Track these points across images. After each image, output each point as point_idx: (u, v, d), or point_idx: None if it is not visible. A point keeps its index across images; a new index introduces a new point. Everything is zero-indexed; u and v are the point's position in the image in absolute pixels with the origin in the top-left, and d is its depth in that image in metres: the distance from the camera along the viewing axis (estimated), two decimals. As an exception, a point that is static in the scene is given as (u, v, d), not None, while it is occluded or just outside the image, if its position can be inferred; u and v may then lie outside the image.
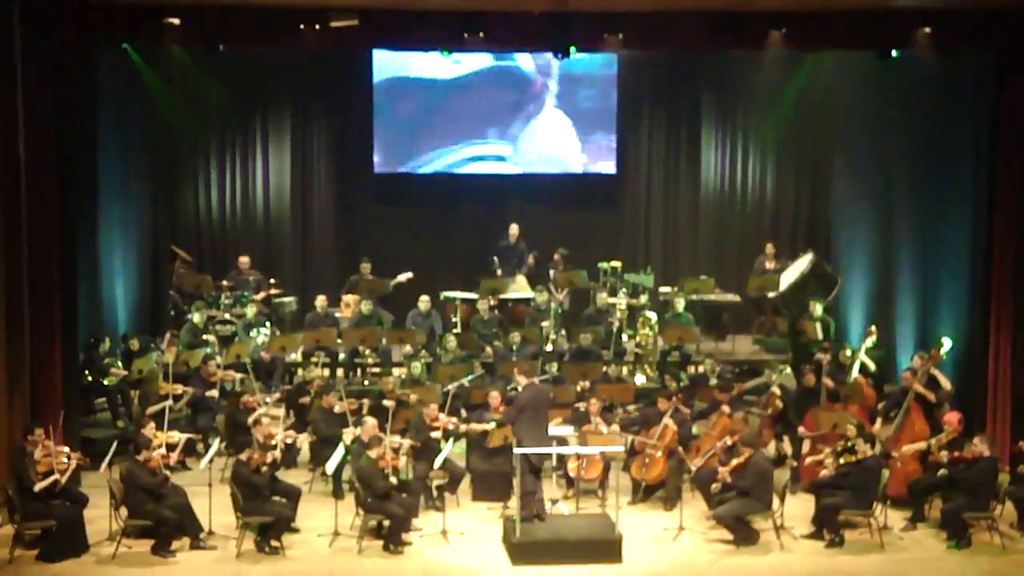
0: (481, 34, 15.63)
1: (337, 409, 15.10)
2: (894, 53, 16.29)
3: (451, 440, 14.62)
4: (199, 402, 16.26)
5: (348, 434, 14.21)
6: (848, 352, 16.63)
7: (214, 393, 16.55)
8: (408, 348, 18.16)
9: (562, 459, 14.61)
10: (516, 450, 13.37)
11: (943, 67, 16.99)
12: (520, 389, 14.05)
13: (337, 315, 19.30)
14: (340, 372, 18.38)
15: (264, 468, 13.33)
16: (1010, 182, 15.61)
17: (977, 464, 13.50)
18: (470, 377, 16.52)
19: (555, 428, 14.37)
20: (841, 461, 13.65)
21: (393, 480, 13.27)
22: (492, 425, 14.73)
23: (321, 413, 15.20)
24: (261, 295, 19.51)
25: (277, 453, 13.83)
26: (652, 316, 18.85)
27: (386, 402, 15.04)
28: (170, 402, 15.33)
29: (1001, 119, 15.70)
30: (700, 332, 18.80)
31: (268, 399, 16.18)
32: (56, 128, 14.90)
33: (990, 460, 13.58)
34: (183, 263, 20.18)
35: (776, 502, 13.55)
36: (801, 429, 15.12)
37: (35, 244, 14.71)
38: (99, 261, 18.01)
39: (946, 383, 15.25)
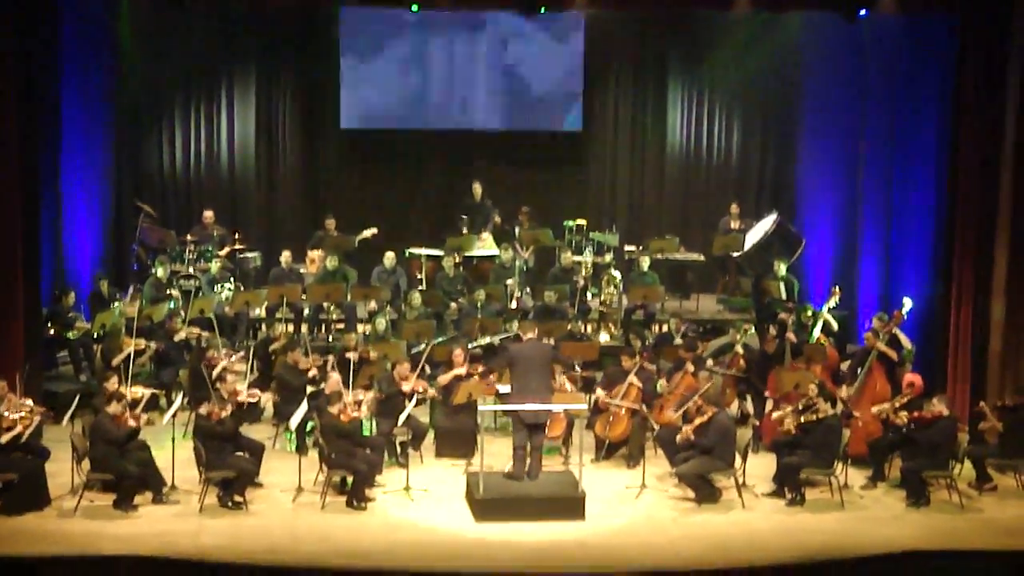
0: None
1: (301, 365, 15.11)
2: (861, 14, 16.30)
3: (414, 398, 14.62)
4: (162, 357, 16.21)
5: (311, 390, 14.24)
6: (810, 312, 16.74)
7: (177, 348, 16.46)
8: (373, 304, 18.12)
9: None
10: (481, 407, 13.43)
11: (908, 29, 17.10)
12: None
13: (302, 271, 19.25)
14: (304, 328, 18.33)
15: (227, 418, 13.31)
16: (970, 145, 15.65)
17: (936, 424, 13.61)
18: (441, 339, 16.54)
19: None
20: (802, 420, 13.75)
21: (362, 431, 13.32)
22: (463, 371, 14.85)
23: (285, 369, 15.19)
24: (225, 250, 19.44)
25: (243, 397, 13.88)
26: (617, 275, 18.89)
27: (349, 354, 15.00)
28: (131, 349, 15.28)
29: (961, 82, 15.73)
30: (665, 291, 18.85)
31: (234, 357, 16.09)
32: (18, 78, 14.73)
33: (949, 420, 13.70)
34: (147, 217, 20.06)
35: (738, 460, 13.64)
36: (767, 394, 15.21)
37: (-3, 196, 14.62)
38: (61, 214, 17.89)
39: (907, 343, 15.40)
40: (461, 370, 14.85)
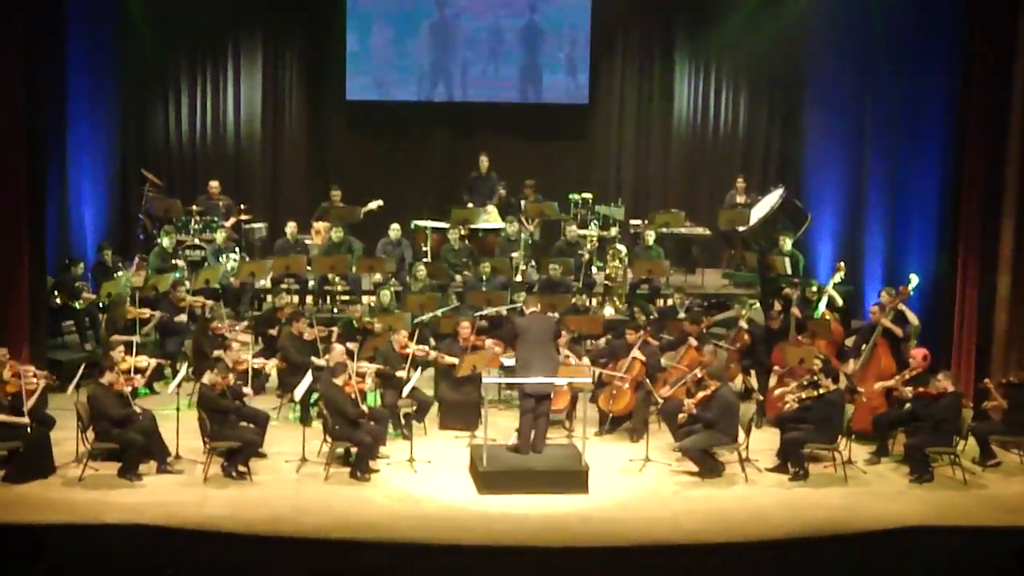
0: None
1: (306, 336, 15.12)
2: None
3: (419, 368, 14.63)
4: (167, 327, 16.22)
5: (317, 361, 14.26)
6: (815, 287, 16.73)
7: (183, 318, 16.47)
8: (378, 276, 18.11)
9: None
10: (485, 380, 13.44)
11: (916, 3, 17.02)
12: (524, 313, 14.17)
13: (307, 242, 19.25)
14: (309, 299, 18.35)
15: (228, 394, 13.33)
16: (977, 121, 15.57)
17: (941, 400, 13.60)
18: (443, 309, 16.52)
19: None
20: (803, 395, 13.75)
21: (363, 408, 13.31)
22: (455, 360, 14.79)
23: (290, 340, 15.19)
24: (231, 221, 19.44)
25: (247, 386, 13.87)
26: (622, 248, 18.88)
27: (350, 344, 14.95)
28: (137, 338, 15.22)
29: (969, 57, 15.64)
30: (670, 265, 18.85)
31: (237, 326, 16.13)
32: (24, 47, 14.66)
33: (954, 396, 13.69)
34: (153, 187, 20.06)
35: (742, 435, 13.64)
36: (776, 368, 15.18)
37: (2, 165, 14.54)
38: (67, 183, 17.88)
39: (913, 319, 15.37)
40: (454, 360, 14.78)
